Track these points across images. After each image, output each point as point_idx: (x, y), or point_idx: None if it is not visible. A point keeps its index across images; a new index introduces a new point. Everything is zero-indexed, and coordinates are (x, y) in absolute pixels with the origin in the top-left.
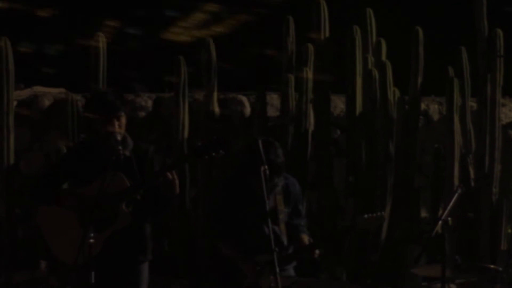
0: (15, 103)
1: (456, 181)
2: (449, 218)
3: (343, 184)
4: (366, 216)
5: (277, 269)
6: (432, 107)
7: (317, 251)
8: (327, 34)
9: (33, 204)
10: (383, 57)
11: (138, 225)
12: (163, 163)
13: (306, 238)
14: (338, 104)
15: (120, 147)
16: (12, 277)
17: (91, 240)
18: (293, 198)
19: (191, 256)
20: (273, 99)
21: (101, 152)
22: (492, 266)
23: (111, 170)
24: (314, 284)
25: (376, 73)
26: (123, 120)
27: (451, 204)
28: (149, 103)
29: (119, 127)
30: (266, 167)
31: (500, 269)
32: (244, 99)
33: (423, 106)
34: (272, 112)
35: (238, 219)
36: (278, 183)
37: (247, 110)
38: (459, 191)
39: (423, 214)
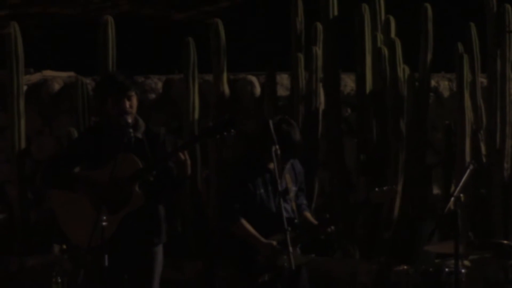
0: (25, 87)
1: (467, 158)
2: (461, 195)
3: (354, 162)
4: (377, 189)
5: (290, 249)
6: (442, 83)
7: (332, 227)
8: (336, 12)
9: (45, 189)
10: (392, 35)
11: (152, 207)
12: (174, 144)
13: (310, 216)
14: (348, 82)
15: (130, 129)
16: (26, 261)
17: (104, 223)
18: (299, 177)
19: (204, 237)
20: (283, 79)
21: (113, 135)
22: (505, 242)
23: (122, 152)
24: (328, 263)
25: (385, 50)
26: (134, 100)
27: (463, 180)
28: (159, 85)
29: (130, 108)
30: (277, 147)
31: None
32: (254, 79)
33: (433, 83)
34: (282, 91)
35: (252, 199)
36: (285, 163)
37: (257, 90)
38: (471, 167)
39: (435, 191)
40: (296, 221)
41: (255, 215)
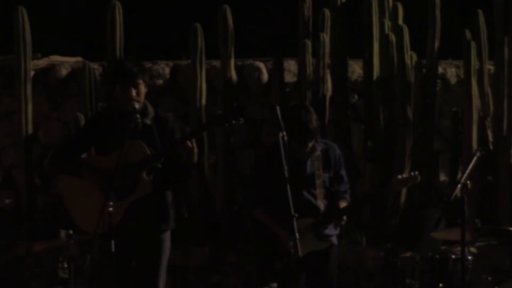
0: (32, 72)
1: (474, 145)
2: (468, 182)
3: (361, 149)
4: (400, 177)
5: (297, 235)
6: (450, 70)
7: (344, 217)
8: None
9: (53, 174)
10: (400, 21)
11: (159, 194)
12: (183, 131)
13: (343, 205)
14: (356, 69)
15: (138, 116)
16: (32, 246)
17: (110, 209)
18: (334, 164)
19: (211, 223)
20: (291, 65)
21: (120, 121)
22: (511, 229)
23: (130, 138)
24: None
25: (393, 37)
26: (142, 88)
27: (470, 167)
28: (167, 70)
29: (137, 95)
30: (284, 133)
31: None
32: (262, 65)
33: (440, 69)
34: (289, 78)
35: (272, 185)
36: (316, 148)
37: (265, 76)
38: (478, 154)
39: (442, 177)
40: (321, 207)
41: (279, 201)
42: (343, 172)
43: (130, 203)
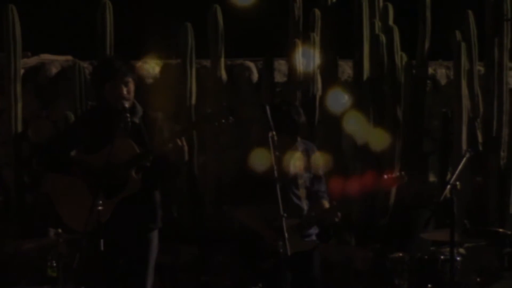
0: (22, 71)
1: (464, 145)
2: (458, 183)
3: (351, 149)
4: (386, 176)
5: (286, 235)
6: (440, 71)
7: (339, 214)
8: None
9: (41, 172)
10: (390, 22)
11: (148, 192)
12: (171, 130)
13: (327, 204)
14: (346, 69)
15: (127, 114)
16: (21, 244)
17: (100, 207)
18: (313, 163)
19: (200, 222)
20: (281, 65)
21: (109, 119)
22: (500, 230)
23: (119, 137)
24: (323, 249)
25: (383, 38)
26: (131, 86)
27: (459, 168)
28: (156, 69)
29: (127, 93)
30: (274, 133)
31: (509, 233)
32: (252, 65)
33: (430, 70)
34: (279, 78)
35: (258, 185)
36: (298, 148)
37: (255, 76)
38: (468, 155)
39: (432, 178)
40: (305, 207)
41: (266, 201)
42: (321, 172)
43: (119, 202)
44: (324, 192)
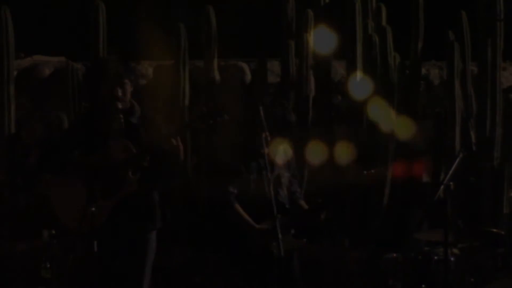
0: (15, 72)
1: (457, 146)
2: (451, 183)
3: (344, 149)
4: (365, 172)
5: (280, 235)
6: (433, 71)
7: (324, 214)
8: None
9: (42, 174)
10: (383, 22)
11: (146, 193)
12: (166, 130)
13: (304, 205)
14: (339, 69)
15: (121, 116)
16: (14, 246)
17: (93, 209)
18: (291, 163)
19: (194, 224)
20: (274, 66)
21: (105, 121)
22: (494, 230)
23: (116, 138)
24: (317, 250)
25: (376, 38)
26: (127, 87)
27: (453, 168)
28: (150, 70)
29: (123, 95)
30: (267, 133)
31: (502, 233)
32: (245, 65)
33: (423, 70)
34: (272, 78)
35: (245, 184)
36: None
37: (248, 77)
38: (461, 155)
39: (425, 178)
40: (287, 206)
41: (249, 200)
42: (296, 173)
43: (116, 202)
44: (299, 193)
